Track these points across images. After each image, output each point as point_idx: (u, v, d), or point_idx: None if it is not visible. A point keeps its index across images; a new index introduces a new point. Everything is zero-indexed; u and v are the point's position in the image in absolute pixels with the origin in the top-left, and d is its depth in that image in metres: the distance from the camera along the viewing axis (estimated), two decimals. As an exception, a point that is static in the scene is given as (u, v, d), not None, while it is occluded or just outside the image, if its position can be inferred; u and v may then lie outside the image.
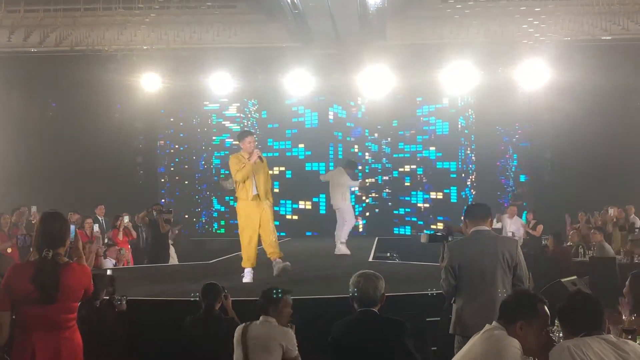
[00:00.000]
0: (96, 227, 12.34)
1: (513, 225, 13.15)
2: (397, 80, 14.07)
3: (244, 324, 5.12)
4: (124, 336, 5.94)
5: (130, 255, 12.19)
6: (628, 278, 5.27)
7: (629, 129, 14.88)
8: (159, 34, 13.67)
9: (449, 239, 5.43)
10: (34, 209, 12.75)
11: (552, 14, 13.18)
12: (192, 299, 6.43)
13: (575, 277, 7.49)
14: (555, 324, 4.20)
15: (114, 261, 10.94)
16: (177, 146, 18.30)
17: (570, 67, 13.41)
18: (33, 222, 11.96)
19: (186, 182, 18.21)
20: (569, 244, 11.49)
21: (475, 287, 5.10)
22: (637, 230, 11.89)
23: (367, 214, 17.71)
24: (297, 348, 5.02)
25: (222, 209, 17.79)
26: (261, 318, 5.06)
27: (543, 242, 12.29)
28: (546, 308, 3.63)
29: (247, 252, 8.63)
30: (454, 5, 13.27)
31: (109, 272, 7.75)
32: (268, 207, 8.68)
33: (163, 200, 16.84)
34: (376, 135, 17.87)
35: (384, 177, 17.99)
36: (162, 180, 18.24)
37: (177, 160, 18.30)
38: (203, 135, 18.12)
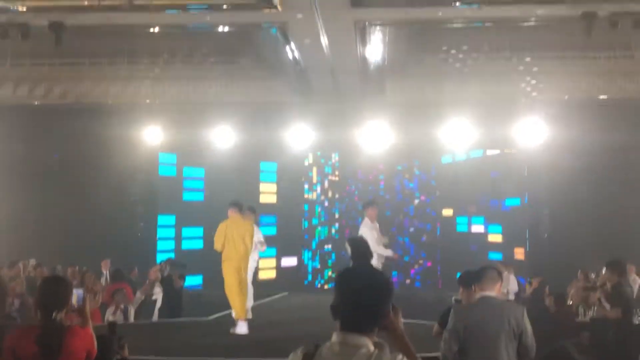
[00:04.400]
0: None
1: (509, 285, 12.83)
2: (396, 135, 14.23)
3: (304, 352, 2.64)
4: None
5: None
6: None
7: (627, 186, 14.86)
8: (162, 88, 13.87)
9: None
10: (32, 262, 12.67)
11: (550, 73, 13.37)
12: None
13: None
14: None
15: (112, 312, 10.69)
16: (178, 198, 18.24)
17: (568, 125, 13.52)
18: (32, 275, 11.87)
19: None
20: (569, 303, 11.36)
21: (479, 353, 5.13)
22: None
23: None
24: None
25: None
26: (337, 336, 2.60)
27: (546, 303, 12.04)
28: None
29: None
30: (453, 64, 13.46)
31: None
32: None
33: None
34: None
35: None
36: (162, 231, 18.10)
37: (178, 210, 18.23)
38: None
